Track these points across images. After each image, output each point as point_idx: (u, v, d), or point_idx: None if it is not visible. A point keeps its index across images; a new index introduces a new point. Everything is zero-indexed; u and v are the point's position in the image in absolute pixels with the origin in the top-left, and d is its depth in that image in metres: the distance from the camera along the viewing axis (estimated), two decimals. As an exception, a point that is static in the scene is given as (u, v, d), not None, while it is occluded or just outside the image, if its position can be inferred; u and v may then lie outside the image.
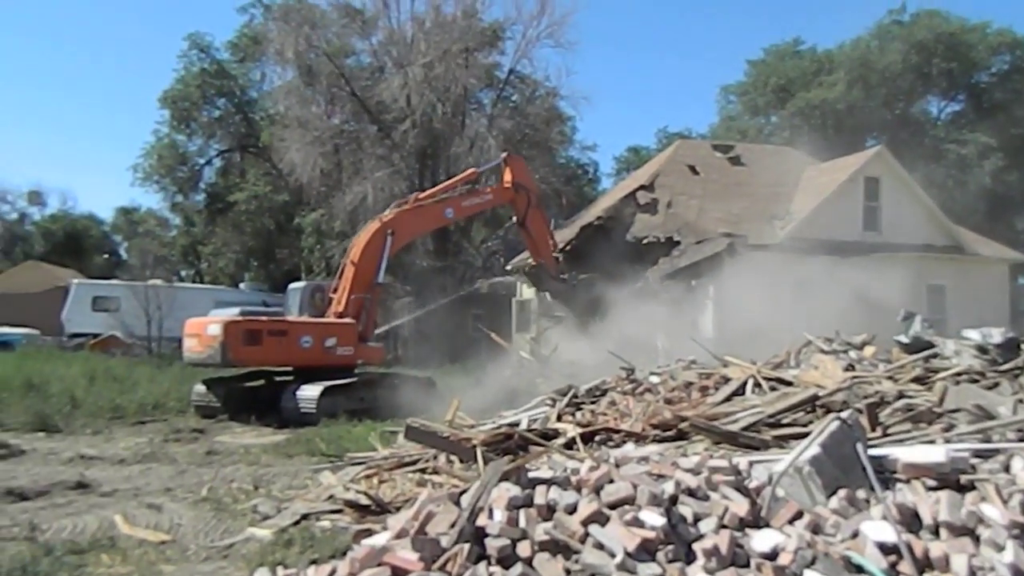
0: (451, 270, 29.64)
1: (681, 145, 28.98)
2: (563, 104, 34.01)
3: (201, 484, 8.31)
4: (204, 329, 13.86)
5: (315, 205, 33.37)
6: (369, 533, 5.21)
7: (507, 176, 17.19)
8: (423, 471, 6.99)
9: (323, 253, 32.31)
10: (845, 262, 19.02)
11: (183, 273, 49.36)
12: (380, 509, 6.10)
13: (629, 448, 6.13)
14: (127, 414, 13.93)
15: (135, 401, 14.69)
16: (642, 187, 24.24)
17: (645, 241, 22.02)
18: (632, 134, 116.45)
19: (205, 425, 13.37)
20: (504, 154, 18.00)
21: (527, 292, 23.45)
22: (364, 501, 6.30)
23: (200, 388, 14.62)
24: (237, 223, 41.78)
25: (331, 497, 6.75)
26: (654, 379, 9.39)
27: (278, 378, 15.09)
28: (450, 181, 17.44)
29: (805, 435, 5.29)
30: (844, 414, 5.16)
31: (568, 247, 23.31)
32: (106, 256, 57.82)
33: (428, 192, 16.73)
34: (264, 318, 14.30)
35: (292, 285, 17.07)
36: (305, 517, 6.35)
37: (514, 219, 17.82)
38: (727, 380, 8.32)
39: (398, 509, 5.81)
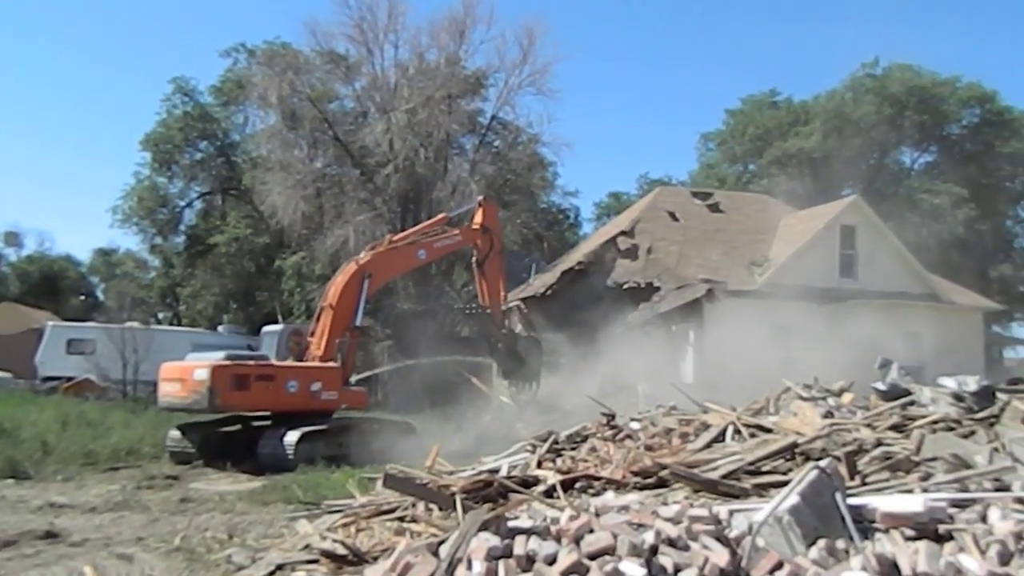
0: (432, 314, 29.58)
1: (661, 192, 29.40)
2: (545, 150, 34.46)
3: (174, 533, 8.13)
4: (190, 374, 13.57)
5: (296, 248, 33.34)
6: (346, 584, 5.12)
7: (477, 218, 17.47)
8: (402, 519, 6.89)
9: (304, 296, 32.21)
10: (822, 309, 19.27)
11: (161, 316, 48.86)
12: (357, 559, 5.99)
13: (609, 496, 6.10)
14: (100, 460, 13.64)
15: (108, 446, 14.40)
16: (623, 233, 24.48)
17: (626, 286, 22.18)
18: (613, 180, 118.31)
19: (179, 471, 13.12)
20: (480, 198, 18.31)
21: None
22: (341, 551, 6.19)
23: (175, 433, 14.39)
24: (217, 265, 41.58)
25: (307, 546, 6.63)
26: (635, 425, 9.35)
27: (255, 423, 14.90)
28: (423, 225, 17.70)
29: (785, 483, 5.29)
30: (823, 462, 5.18)
31: (549, 291, 23.44)
32: (83, 298, 57.19)
33: (401, 235, 16.91)
34: (251, 362, 14.17)
35: (266, 328, 16.94)
36: (280, 567, 6.23)
37: (474, 260, 18.01)
38: (707, 427, 8.32)
39: (376, 559, 5.72)
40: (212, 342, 25.18)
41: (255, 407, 14.24)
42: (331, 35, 32.19)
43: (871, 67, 42.57)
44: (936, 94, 40.30)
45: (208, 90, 42.83)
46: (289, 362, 14.69)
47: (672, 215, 25.66)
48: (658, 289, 21.68)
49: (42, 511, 9.44)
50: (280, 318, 18.74)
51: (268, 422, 14.53)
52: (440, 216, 17.77)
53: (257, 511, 9.48)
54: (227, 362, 13.61)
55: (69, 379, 26.22)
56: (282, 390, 13.86)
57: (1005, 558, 4.26)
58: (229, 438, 14.71)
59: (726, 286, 21.12)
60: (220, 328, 33.68)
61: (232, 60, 42.26)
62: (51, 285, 56.03)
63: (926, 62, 41.12)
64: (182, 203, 43.75)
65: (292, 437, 13.31)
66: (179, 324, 43.70)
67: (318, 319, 15.01)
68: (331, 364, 14.51)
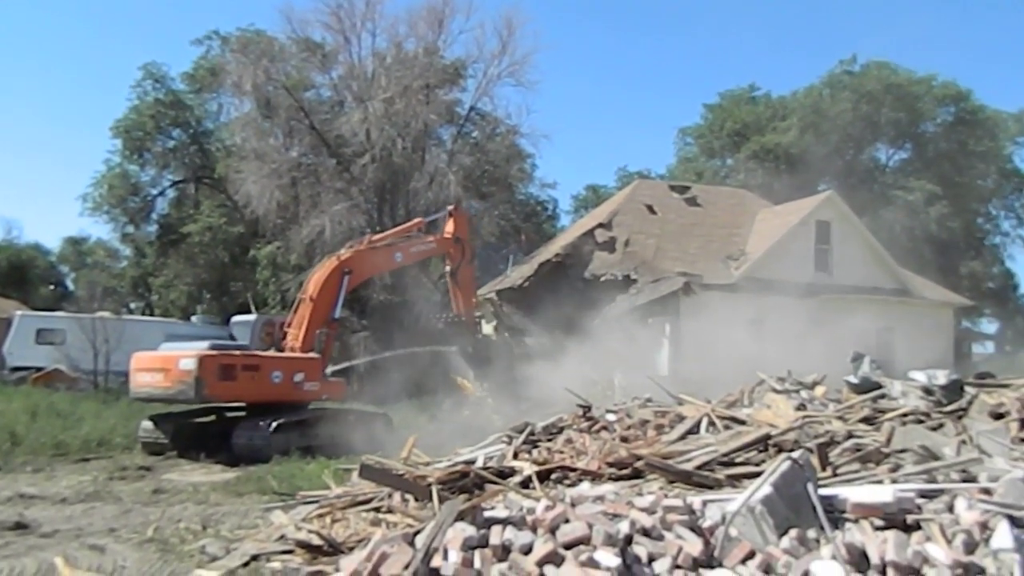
0: (408, 305, 29.50)
1: (640, 185, 29.52)
2: (523, 142, 34.39)
3: (147, 524, 8.08)
4: (175, 363, 13.37)
5: (271, 238, 33.06)
6: (321, 575, 5.14)
7: (449, 227, 17.82)
8: (377, 510, 6.92)
9: (278, 286, 31.97)
10: (797, 303, 19.47)
11: (132, 306, 48.24)
12: (333, 550, 6.01)
13: (585, 487, 6.16)
14: (70, 451, 13.49)
15: (79, 437, 14.23)
16: (600, 225, 24.59)
17: (603, 279, 22.28)
18: (591, 173, 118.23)
19: (152, 462, 13.01)
20: (450, 207, 18.69)
21: (486, 328, 23.46)
22: (316, 541, 6.20)
23: (147, 424, 14.27)
24: (190, 255, 41.13)
25: (282, 537, 6.63)
26: (610, 417, 9.44)
27: (229, 414, 14.82)
28: (401, 227, 18.08)
29: (758, 474, 5.38)
30: (795, 454, 5.27)
31: (526, 283, 23.49)
32: (52, 287, 56.35)
33: (380, 236, 17.22)
34: (237, 352, 14.07)
35: (237, 318, 16.87)
36: (255, 558, 6.22)
37: (447, 269, 18.46)
38: (682, 418, 8.41)
39: (351, 550, 5.74)
40: (185, 332, 24.89)
41: (240, 398, 14.16)
42: (307, 22, 31.88)
43: (849, 64, 43.04)
44: (912, 92, 40.79)
45: (180, 77, 42.29)
46: (273, 352, 14.64)
47: (650, 208, 25.78)
48: (635, 282, 21.81)
49: (11, 502, 9.33)
50: (254, 308, 18.56)
51: (243, 412, 14.46)
52: (416, 220, 18.23)
53: (231, 502, 9.44)
54: (214, 352, 13.50)
55: (38, 369, 25.83)
56: (267, 380, 13.79)
57: (970, 547, 4.37)
58: (203, 428, 14.62)
59: (702, 279, 21.30)
60: (193, 318, 33.37)
61: (205, 48, 41.73)
62: (19, 274, 55.10)
63: (902, 60, 41.66)
64: (154, 191, 43.17)
65: (267, 428, 13.26)
66: (151, 314, 43.19)
67: (296, 310, 15.04)
68: (312, 355, 14.54)
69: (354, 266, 15.38)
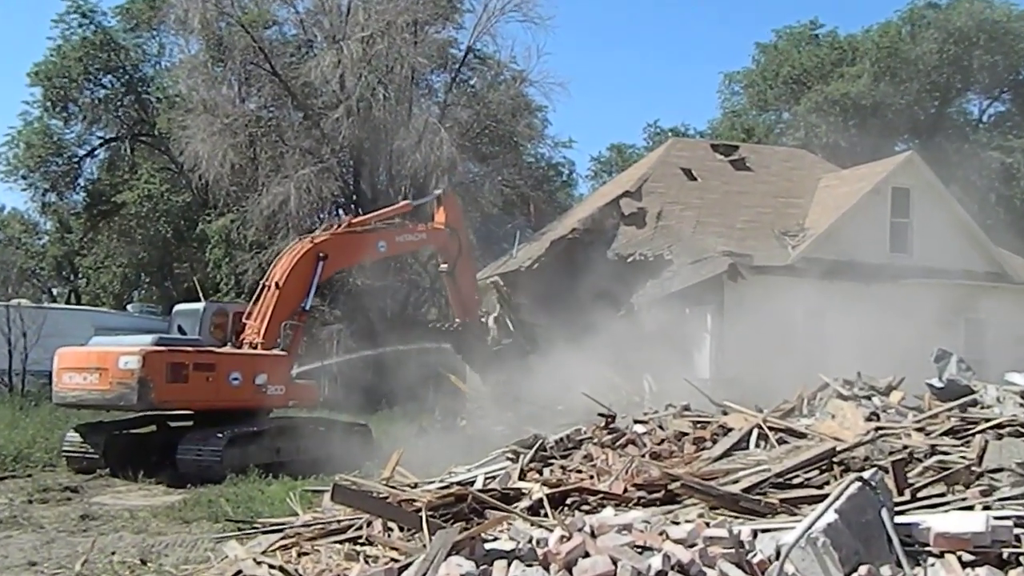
0: (392, 291, 29.55)
1: (675, 144, 29.40)
2: (533, 91, 34.20)
3: (74, 557, 8.12)
4: (114, 362, 13.36)
5: (224, 209, 33.05)
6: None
7: (440, 217, 18.05)
8: (354, 541, 6.94)
9: (232, 268, 31.99)
10: (868, 289, 19.42)
11: (55, 291, 48.32)
12: (300, 588, 6.04)
13: (608, 514, 6.17)
14: (-19, 468, 13.61)
15: (-10, 452, 14.35)
16: (627, 193, 24.50)
17: (630, 259, 22.23)
18: (616, 129, 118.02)
19: (80, 482, 13.07)
20: (438, 192, 18.99)
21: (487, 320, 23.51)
22: (280, 579, 6.24)
23: (74, 436, 14.32)
24: (125, 229, 41.18)
25: (239, 573, 6.68)
26: (639, 428, 9.46)
27: (173, 423, 14.88)
28: (385, 210, 18.31)
29: (820, 499, 5.38)
30: (866, 474, 5.27)
31: (536, 265, 23.48)
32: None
33: (362, 219, 17.43)
34: (189, 348, 14.10)
35: (181, 307, 16.93)
36: (205, 598, 6.26)
37: (441, 266, 18.74)
38: (727, 430, 8.42)
39: (322, 588, 5.77)
40: (120, 324, 25.01)
41: (193, 403, 14.20)
42: (268, -57, 31.82)
43: (933, -5, 42.70)
44: (1011, 30, 40.43)
45: (114, 12, 42.18)
46: (229, 349, 14.68)
47: (688, 173, 25.70)
48: (669, 263, 21.76)
49: (-91, 530, 9.40)
50: (202, 295, 18.56)
51: (190, 422, 14.51)
52: (403, 204, 18.63)
53: (176, 530, 9.48)
54: (161, 347, 13.52)
55: (-59, 369, 25.98)
56: (223, 383, 13.83)
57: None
58: (141, 441, 14.69)
59: (752, 260, 21.23)
60: (129, 307, 33.49)
61: (144, -25, 41.59)
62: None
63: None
64: (81, 152, 43.10)
65: (220, 440, 13.29)
66: (78, 302, 43.31)
67: (258, 299, 15.13)
68: (278, 352, 14.62)
69: (330, 251, 15.55)
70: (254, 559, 6.94)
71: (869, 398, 9.02)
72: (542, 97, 34.95)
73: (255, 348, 14.54)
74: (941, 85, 41.29)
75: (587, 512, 6.49)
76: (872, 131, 36.70)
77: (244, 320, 15.00)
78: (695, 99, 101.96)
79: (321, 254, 15.38)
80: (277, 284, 14.92)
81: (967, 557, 4.68)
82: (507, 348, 18.61)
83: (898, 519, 4.90)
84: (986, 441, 6.63)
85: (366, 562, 6.23)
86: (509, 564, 4.66)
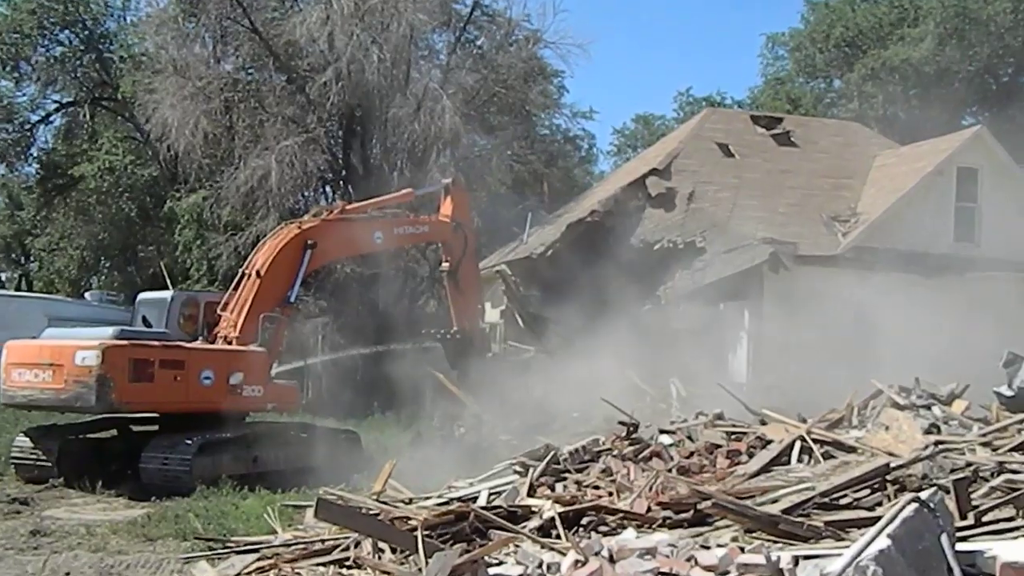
0: (386, 281, 29.54)
1: (709, 115, 29.34)
2: (548, 54, 34.08)
3: (23, 577, 8.19)
4: (70, 357, 13.39)
5: (196, 184, 33.09)
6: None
7: (446, 208, 18.22)
8: (340, 563, 6.98)
9: (205, 252, 32.05)
10: (929, 283, 19.37)
11: (4, 276, 48.53)
12: (278, 616, 6.08)
13: (629, 536, 6.18)
14: (-81, 477, 13.70)
15: (-71, 458, 14.45)
16: (654, 171, 24.48)
17: (657, 247, 22.23)
18: (643, 98, 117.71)
19: (30, 493, 13.14)
20: (448, 180, 19.15)
21: (491, 313, 23.51)
22: (256, 605, 6.28)
23: (24, 441, 14.39)
24: (83, 207, 41.28)
25: (209, 598, 6.71)
26: (665, 439, 9.49)
27: (136, 427, 14.93)
28: (384, 198, 18.53)
29: (871, 522, 5.38)
30: (924, 494, 5.26)
31: (550, 252, 23.48)
32: None
33: (357, 205, 17.57)
34: (155, 342, 14.12)
35: (146, 295, 16.98)
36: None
37: (442, 264, 18.93)
38: (765, 443, 8.43)
39: (304, 616, 5.80)
40: (77, 314, 25.11)
41: (159, 405, 14.24)
42: None
43: (1008, -54, 42.46)
44: (1097, -13, 40.26)
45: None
46: (201, 344, 14.71)
47: (724, 148, 25.66)
48: (702, 252, 21.75)
49: None
50: (169, 282, 18.59)
51: (155, 426, 14.56)
52: (406, 191, 18.67)
53: (138, 549, 9.50)
54: (124, 341, 13.56)
55: None
56: (193, 382, 13.88)
57: None
58: (100, 448, 14.75)
59: (796, 249, 21.21)
60: (87, 295, 33.57)
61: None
62: None
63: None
64: (35, 117, 43.26)
65: (189, 448, 13.33)
66: (30, 288, 43.50)
67: (236, 288, 15.18)
68: (255, 348, 14.64)
69: (320, 239, 15.63)
70: (227, 583, 6.98)
71: (928, 408, 9.01)
72: (558, 60, 34.82)
73: (230, 343, 14.56)
74: (1016, 50, 41.07)
75: (605, 534, 6.51)
76: (936, 102, 36.53)
77: (218, 311, 15.01)
78: (733, 64, 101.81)
79: (309, 242, 15.42)
80: (258, 273, 14.94)
81: (1039, 590, 4.68)
82: (510, 364, 18.77)
83: (960, 546, 4.90)
84: (1062, 458, 6.63)
85: (354, 587, 6.26)
86: (516, 592, 4.68)
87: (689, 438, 9.40)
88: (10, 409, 15.80)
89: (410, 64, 31.30)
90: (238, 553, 8.13)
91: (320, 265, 17.68)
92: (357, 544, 7.12)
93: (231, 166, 29.89)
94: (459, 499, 8.27)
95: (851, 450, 7.84)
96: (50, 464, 14.08)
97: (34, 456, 14.21)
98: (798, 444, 8.05)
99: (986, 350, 11.14)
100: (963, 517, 5.71)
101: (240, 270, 15.70)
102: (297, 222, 16.25)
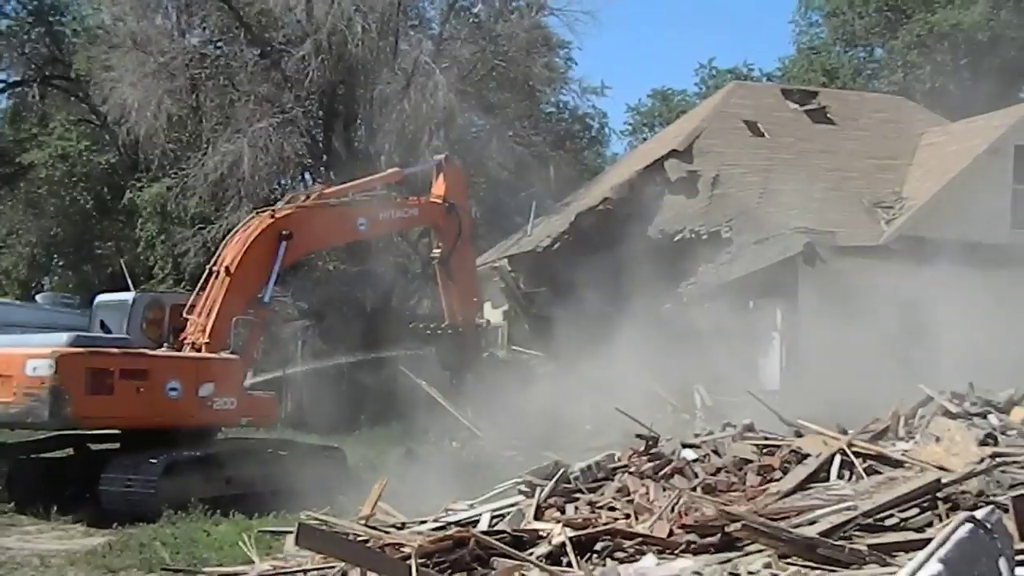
0: (370, 279, 29.54)
1: (736, 90, 29.31)
2: (554, 22, 34.17)
3: (-30, 614, 8.22)
4: (19, 367, 13.39)
5: (159, 172, 33.14)
6: None
7: (438, 189, 18.30)
8: (325, 596, 7.00)
9: (170, 248, 32.09)
10: (983, 276, 19.35)
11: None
12: (256, 656, 6.10)
13: (649, 562, 6.19)
14: None
15: None
16: (674, 153, 24.48)
17: (677, 238, 22.24)
18: (661, 72, 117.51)
19: (-23, 520, 13.21)
20: (441, 157, 19.20)
21: (491, 313, 23.53)
22: (231, 643, 6.29)
23: (-31, 462, 14.45)
24: (33, 198, 41.33)
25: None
26: (688, 454, 9.48)
27: (95, 445, 14.95)
28: (368, 179, 18.44)
29: (920, 544, 5.38)
30: (980, 513, 5.26)
31: (557, 244, 23.48)
32: None
33: (336, 188, 17.57)
34: (115, 349, 14.14)
35: (103, 298, 17.01)
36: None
37: (433, 251, 18.96)
38: (801, 457, 8.43)
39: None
40: (26, 318, 25.11)
41: (120, 420, 14.26)
42: None
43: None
44: None
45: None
46: (166, 351, 14.73)
47: (752, 126, 25.65)
48: (728, 243, 21.76)
49: None
50: (130, 283, 18.60)
51: (116, 444, 14.58)
52: (392, 171, 18.98)
53: (99, 581, 9.55)
54: (79, 348, 13.58)
55: None
56: (158, 394, 13.89)
57: None
58: (55, 469, 14.77)
59: (834, 239, 21.20)
60: (39, 297, 33.59)
61: None
62: None
63: None
64: (-22, 99, 43.42)
65: (155, 468, 13.35)
66: (-26, 290, 43.51)
67: (204, 287, 15.17)
68: (227, 355, 14.65)
69: (296, 229, 15.57)
70: (198, 618, 7.01)
71: (984, 416, 9.01)
72: (565, 30, 34.90)
73: (199, 350, 14.58)
74: (1079, 14, 41.09)
75: (622, 561, 6.52)
76: (990, 73, 36.52)
77: (185, 315, 15.03)
78: (762, 32, 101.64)
79: (284, 232, 15.38)
80: (228, 270, 14.94)
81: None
82: (509, 365, 18.80)
83: (1020, 571, 4.90)
84: None
85: (340, 623, 6.28)
86: (523, 626, 4.69)
87: (715, 452, 9.39)
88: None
89: (398, 35, 31.31)
90: (210, 585, 8.15)
91: (297, 259, 17.60)
92: (343, 574, 7.13)
93: (198, 151, 29.92)
94: (458, 523, 8.27)
95: (897, 464, 7.83)
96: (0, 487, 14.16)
97: (-19, 479, 14.27)
98: (838, 458, 8.04)
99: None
100: (1023, 539, 5.72)
101: (208, 267, 15.65)
102: (270, 210, 16.20)
